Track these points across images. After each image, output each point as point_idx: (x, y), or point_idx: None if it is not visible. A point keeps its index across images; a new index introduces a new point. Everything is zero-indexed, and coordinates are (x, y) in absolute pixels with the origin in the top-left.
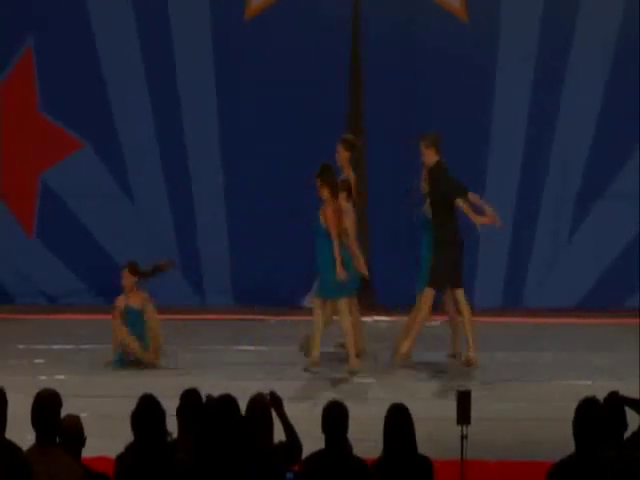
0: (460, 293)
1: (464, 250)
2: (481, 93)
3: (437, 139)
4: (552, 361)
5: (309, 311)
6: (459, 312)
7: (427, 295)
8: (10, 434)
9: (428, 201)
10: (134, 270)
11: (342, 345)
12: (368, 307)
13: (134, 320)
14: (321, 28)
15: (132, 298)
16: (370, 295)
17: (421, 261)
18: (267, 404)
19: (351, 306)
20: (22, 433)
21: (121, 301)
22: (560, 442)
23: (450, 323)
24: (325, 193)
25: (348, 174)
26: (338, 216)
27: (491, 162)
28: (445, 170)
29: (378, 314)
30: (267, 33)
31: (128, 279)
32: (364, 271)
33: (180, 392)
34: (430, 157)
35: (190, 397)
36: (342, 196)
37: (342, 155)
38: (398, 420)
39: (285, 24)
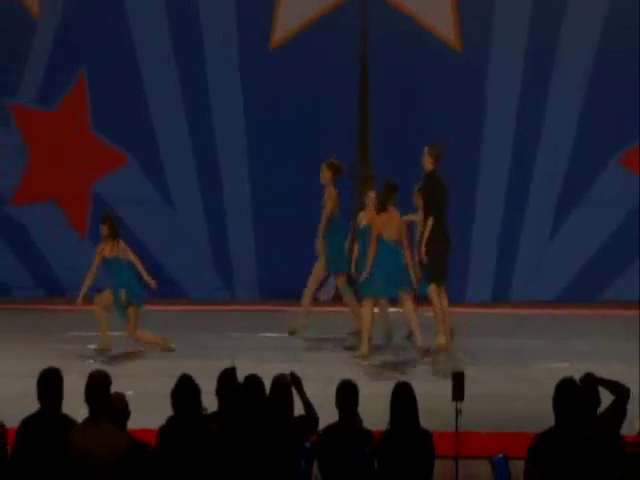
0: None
1: (450, 248)
2: (472, 113)
3: (440, 152)
4: (535, 347)
5: (321, 303)
6: (430, 303)
7: (433, 292)
8: (66, 409)
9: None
10: (111, 220)
11: (408, 336)
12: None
13: (118, 268)
14: (334, 57)
15: (111, 248)
16: None
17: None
18: (288, 383)
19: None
20: (76, 408)
21: (106, 250)
22: (542, 417)
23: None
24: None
25: (330, 192)
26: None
27: (481, 170)
28: (435, 181)
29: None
30: (288, 61)
31: (104, 230)
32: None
33: (213, 373)
34: (427, 164)
35: (226, 376)
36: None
37: (326, 175)
38: (403, 396)
39: (303, 54)
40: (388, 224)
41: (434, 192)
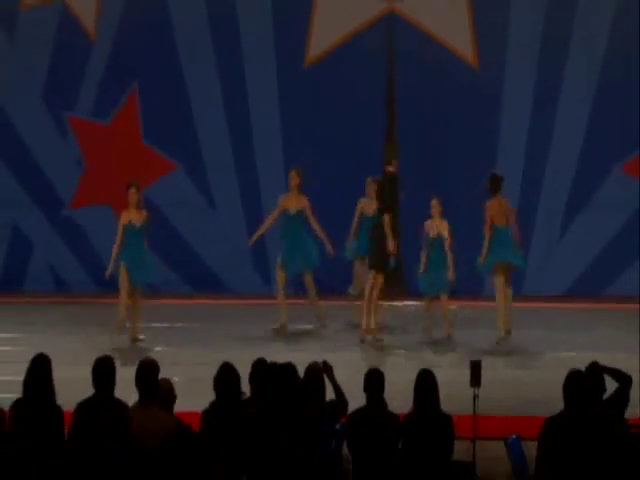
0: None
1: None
2: (489, 125)
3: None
4: (545, 337)
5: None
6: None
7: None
8: (118, 393)
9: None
10: (139, 187)
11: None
12: (400, 294)
13: (134, 235)
14: (362, 71)
15: (136, 215)
16: (402, 284)
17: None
18: (320, 370)
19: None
20: (128, 393)
21: (125, 217)
22: (552, 401)
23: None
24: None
25: (299, 198)
26: None
27: None
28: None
29: (409, 300)
30: (321, 77)
31: (134, 196)
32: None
33: (251, 361)
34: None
35: (258, 364)
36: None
37: (295, 181)
38: (426, 382)
39: (336, 70)
40: (498, 211)
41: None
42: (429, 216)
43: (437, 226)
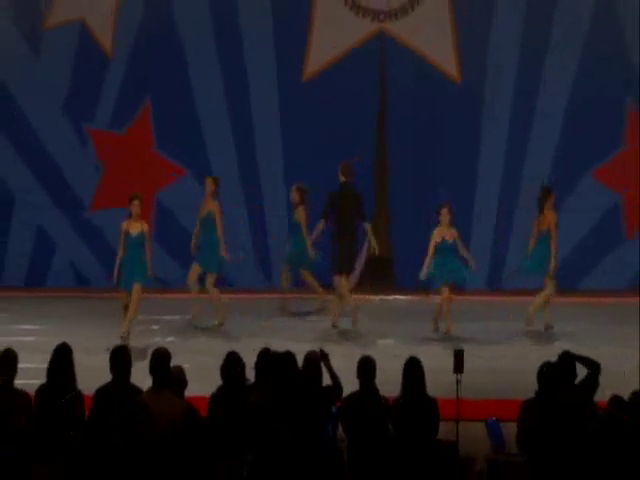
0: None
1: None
2: (471, 135)
3: (349, 169)
4: (523, 328)
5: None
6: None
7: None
8: (133, 379)
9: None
10: (142, 200)
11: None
12: (391, 288)
13: (134, 244)
14: (356, 85)
15: (134, 225)
16: (393, 280)
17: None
18: (318, 358)
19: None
20: (142, 379)
21: (125, 226)
22: (528, 386)
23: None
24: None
25: (211, 203)
26: None
27: (479, 184)
28: (343, 192)
29: (399, 293)
30: (319, 90)
31: (137, 207)
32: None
33: (254, 351)
34: (340, 177)
35: (262, 353)
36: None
37: (210, 188)
38: (413, 369)
39: (332, 84)
40: (543, 222)
41: (337, 200)
42: (437, 223)
43: (446, 233)
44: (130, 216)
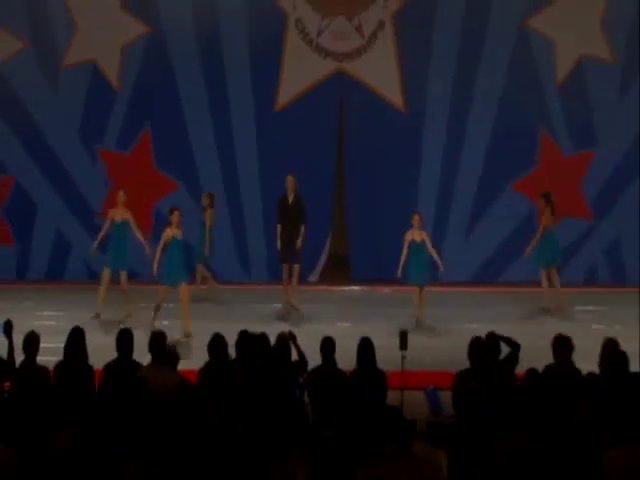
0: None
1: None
2: (413, 157)
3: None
4: (457, 313)
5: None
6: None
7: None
8: (135, 356)
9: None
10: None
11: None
12: (348, 279)
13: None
14: (319, 116)
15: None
16: (349, 272)
17: None
18: (287, 338)
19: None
20: (143, 356)
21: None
22: (461, 361)
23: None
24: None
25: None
26: None
27: (419, 196)
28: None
29: (355, 285)
30: (288, 119)
31: (177, 217)
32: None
33: (236, 333)
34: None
35: (241, 334)
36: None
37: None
38: (366, 347)
39: (298, 114)
40: (550, 220)
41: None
42: (410, 226)
43: (416, 234)
44: (170, 224)
